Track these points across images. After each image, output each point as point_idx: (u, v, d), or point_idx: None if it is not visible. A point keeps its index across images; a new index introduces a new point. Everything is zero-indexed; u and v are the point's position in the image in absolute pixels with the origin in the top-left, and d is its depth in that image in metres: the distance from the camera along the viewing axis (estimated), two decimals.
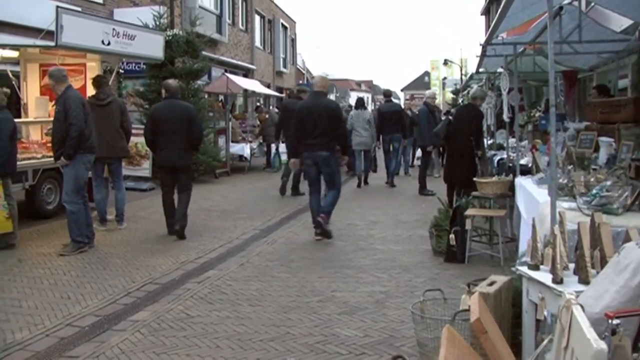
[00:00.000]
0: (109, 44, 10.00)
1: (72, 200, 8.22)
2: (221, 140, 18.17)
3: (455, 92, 38.79)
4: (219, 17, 26.41)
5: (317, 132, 8.80)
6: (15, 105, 11.47)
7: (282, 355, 4.77)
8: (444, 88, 62.00)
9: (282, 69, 39.26)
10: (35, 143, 10.99)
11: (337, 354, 4.77)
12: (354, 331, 5.25)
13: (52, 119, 8.89)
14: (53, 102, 9.53)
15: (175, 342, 5.06)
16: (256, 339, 5.10)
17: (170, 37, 15.67)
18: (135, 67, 17.89)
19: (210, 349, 4.92)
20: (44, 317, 5.69)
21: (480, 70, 12.95)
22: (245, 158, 19.48)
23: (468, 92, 19.03)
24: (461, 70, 52.29)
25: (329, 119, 8.85)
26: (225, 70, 25.09)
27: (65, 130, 8.03)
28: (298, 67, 48.76)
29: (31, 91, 11.78)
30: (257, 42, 34.22)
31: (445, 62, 58.33)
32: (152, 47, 11.53)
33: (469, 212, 7.53)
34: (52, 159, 8.92)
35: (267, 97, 30.14)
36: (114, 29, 10.18)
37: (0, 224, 8.08)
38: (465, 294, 4.30)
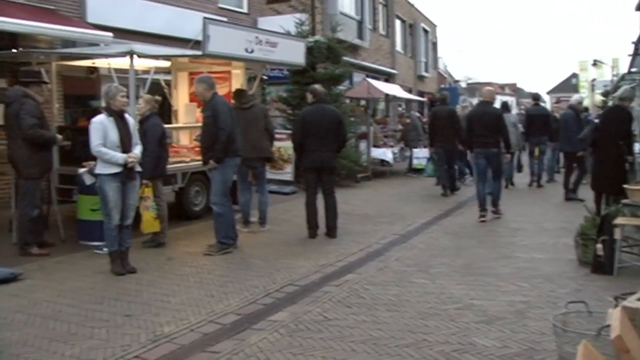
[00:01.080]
0: (252, 51, 10.29)
1: (220, 202, 8.53)
2: (362, 145, 18.25)
3: (605, 95, 36.88)
4: (360, 23, 26.59)
5: (488, 133, 10.86)
6: (167, 111, 12.10)
7: None
8: (593, 90, 58.97)
9: (423, 73, 38.90)
10: (184, 147, 11.52)
11: None
12: (492, 341, 5.12)
13: (199, 124, 9.27)
14: (200, 108, 9.96)
15: (311, 344, 5.14)
16: (392, 345, 5.08)
17: (311, 44, 15.95)
18: (279, 73, 18.35)
19: (345, 352, 4.96)
20: (189, 313, 5.96)
21: (633, 69, 12.27)
22: (387, 162, 19.50)
23: None
24: (612, 70, 49.63)
25: (495, 123, 10.94)
26: (367, 75, 25.24)
27: (214, 135, 8.38)
28: (439, 71, 48.22)
29: (181, 98, 12.36)
30: (398, 47, 34.15)
31: (595, 63, 55.38)
32: (294, 53, 11.75)
33: (619, 220, 7.14)
34: (199, 162, 9.32)
35: (408, 101, 30.02)
36: (256, 37, 10.46)
37: (149, 223, 8.53)
38: (613, 307, 4.08)
